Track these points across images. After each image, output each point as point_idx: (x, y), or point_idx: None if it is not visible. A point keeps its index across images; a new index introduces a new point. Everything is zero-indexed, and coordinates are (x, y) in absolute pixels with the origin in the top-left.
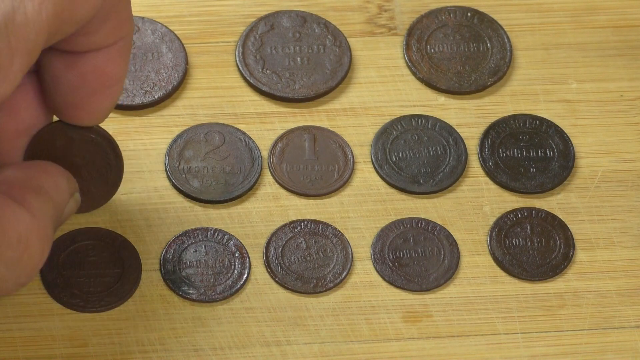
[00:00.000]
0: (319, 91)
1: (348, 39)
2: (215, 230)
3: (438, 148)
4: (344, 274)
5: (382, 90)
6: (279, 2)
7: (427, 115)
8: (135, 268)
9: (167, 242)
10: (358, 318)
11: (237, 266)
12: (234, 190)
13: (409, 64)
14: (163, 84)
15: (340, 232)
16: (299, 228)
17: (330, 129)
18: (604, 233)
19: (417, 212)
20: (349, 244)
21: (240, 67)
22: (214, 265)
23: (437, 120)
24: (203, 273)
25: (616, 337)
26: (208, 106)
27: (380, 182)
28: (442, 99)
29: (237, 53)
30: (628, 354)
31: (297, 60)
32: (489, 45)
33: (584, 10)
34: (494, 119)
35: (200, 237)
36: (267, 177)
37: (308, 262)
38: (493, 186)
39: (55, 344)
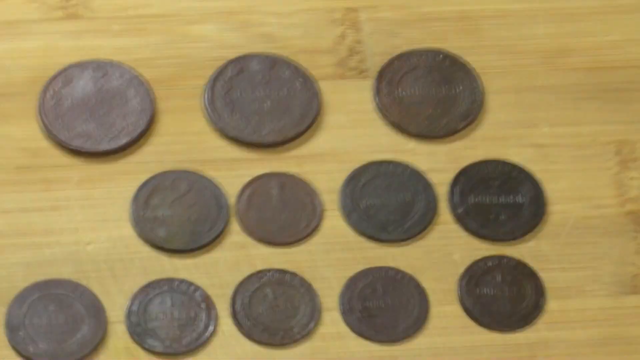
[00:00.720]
0: (287, 136)
1: (319, 82)
2: (181, 280)
3: (407, 195)
4: (311, 325)
5: (351, 135)
6: (248, 44)
7: (397, 162)
8: (100, 321)
9: (132, 293)
10: None
11: (203, 318)
12: (200, 239)
13: (380, 108)
14: (130, 129)
15: (307, 282)
16: (265, 277)
17: (298, 175)
18: (575, 281)
19: (386, 261)
20: (317, 294)
21: (208, 111)
22: (179, 317)
23: (407, 167)
24: (169, 325)
25: None
26: (175, 152)
27: (349, 230)
28: (412, 143)
29: (205, 97)
30: None
31: (267, 103)
32: (460, 88)
33: (556, 52)
34: (464, 164)
35: (165, 287)
36: (234, 225)
37: (275, 312)
38: (463, 233)
39: None
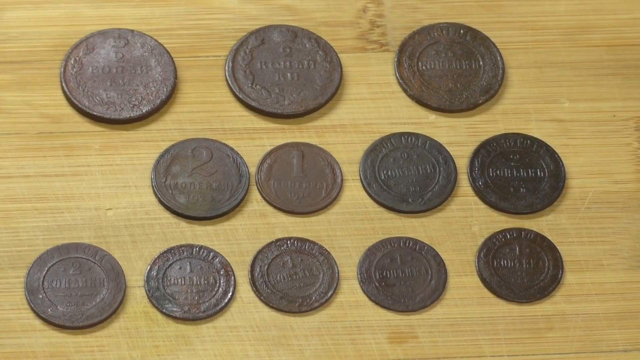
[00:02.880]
0: (308, 107)
1: (339, 55)
2: (201, 247)
3: (427, 166)
4: (329, 294)
5: (372, 107)
6: (270, 16)
7: (417, 133)
8: (120, 285)
9: (152, 258)
10: (343, 338)
11: (222, 284)
12: (221, 207)
13: (400, 81)
14: (151, 98)
15: (327, 250)
16: (285, 246)
17: (319, 145)
18: (594, 255)
19: (405, 232)
20: (336, 263)
21: (229, 81)
22: (198, 282)
23: (427, 139)
24: (187, 291)
25: None
26: (196, 121)
27: (369, 201)
28: (432, 116)
29: (226, 67)
30: None
31: (287, 75)
32: (481, 62)
33: (578, 29)
34: (484, 138)
35: (185, 254)
36: (255, 194)
37: (294, 280)
38: (482, 206)
39: None
